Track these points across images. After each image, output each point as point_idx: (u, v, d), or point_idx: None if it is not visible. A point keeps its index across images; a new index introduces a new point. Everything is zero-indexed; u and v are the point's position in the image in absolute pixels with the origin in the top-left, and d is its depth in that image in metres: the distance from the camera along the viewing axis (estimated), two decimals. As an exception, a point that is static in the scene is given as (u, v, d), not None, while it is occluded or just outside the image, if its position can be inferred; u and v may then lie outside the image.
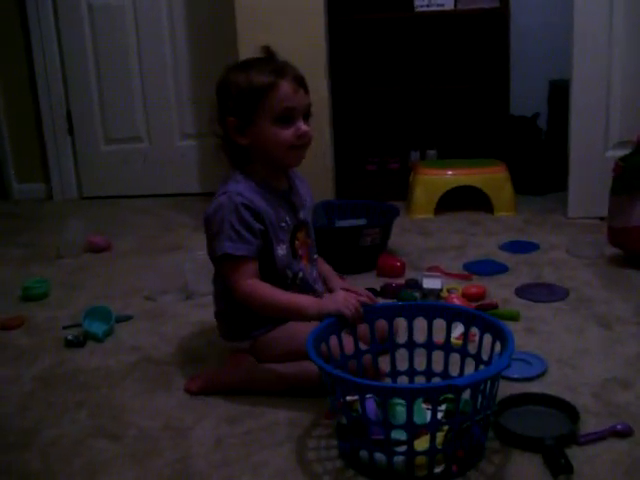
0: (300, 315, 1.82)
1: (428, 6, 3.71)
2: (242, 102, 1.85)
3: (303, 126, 1.87)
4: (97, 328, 2.34)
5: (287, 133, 1.85)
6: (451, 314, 1.78)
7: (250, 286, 1.84)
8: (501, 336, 1.63)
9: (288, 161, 1.92)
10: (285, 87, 1.84)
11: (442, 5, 3.71)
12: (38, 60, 4.16)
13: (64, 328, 2.42)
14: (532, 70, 4.06)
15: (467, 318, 1.75)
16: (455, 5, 3.71)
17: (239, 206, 1.84)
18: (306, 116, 1.89)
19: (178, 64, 4.10)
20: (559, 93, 3.78)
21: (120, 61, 4.12)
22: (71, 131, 4.25)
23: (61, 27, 4.13)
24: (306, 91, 1.89)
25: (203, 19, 4.00)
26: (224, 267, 1.88)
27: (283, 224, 1.93)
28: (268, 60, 1.90)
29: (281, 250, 1.92)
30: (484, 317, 1.73)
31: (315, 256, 2.08)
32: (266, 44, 1.94)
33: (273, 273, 1.91)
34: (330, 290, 2.07)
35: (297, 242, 1.99)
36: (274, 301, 1.84)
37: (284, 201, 1.96)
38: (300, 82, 1.88)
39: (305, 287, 1.99)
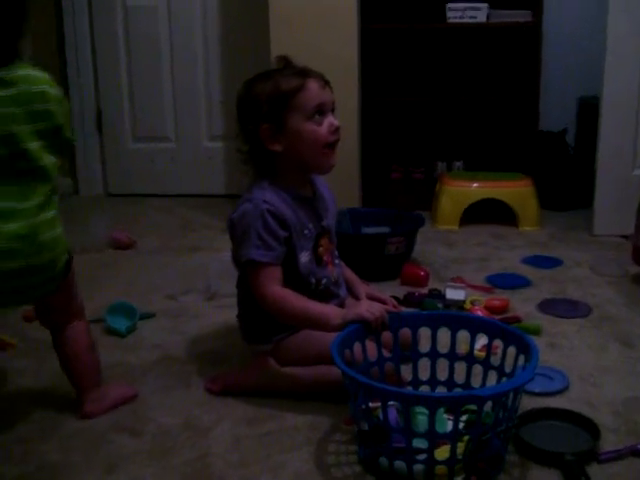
0: (324, 325, 1.81)
1: (461, 18, 3.71)
2: (274, 107, 1.87)
3: (335, 121, 1.90)
4: (120, 324, 2.35)
5: (322, 129, 1.87)
6: (476, 325, 1.78)
7: (274, 294, 1.84)
8: (525, 349, 1.62)
9: (322, 162, 1.92)
10: (313, 85, 1.87)
11: (475, 17, 3.70)
12: (70, 58, 4.19)
13: (87, 322, 2.43)
14: (561, 86, 4.05)
15: (491, 330, 1.75)
16: (488, 18, 3.71)
17: (265, 213, 1.84)
18: (333, 112, 1.92)
19: (209, 66, 4.12)
20: (588, 109, 3.77)
21: (152, 61, 4.15)
22: (100, 127, 4.28)
23: (95, 26, 4.17)
24: (330, 88, 1.92)
25: (236, 21, 4.02)
26: (248, 273, 1.89)
27: (306, 232, 1.94)
28: (288, 66, 1.93)
29: (304, 257, 1.93)
30: (508, 329, 1.72)
31: (337, 261, 2.09)
32: (285, 54, 1.97)
33: (296, 279, 1.92)
34: (355, 297, 2.08)
35: (321, 249, 1.99)
36: (298, 310, 1.84)
37: (308, 208, 1.97)
38: (324, 79, 1.91)
39: (328, 293, 2.00)
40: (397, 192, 3.86)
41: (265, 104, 1.87)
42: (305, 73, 1.89)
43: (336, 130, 1.90)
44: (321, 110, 1.88)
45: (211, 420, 1.82)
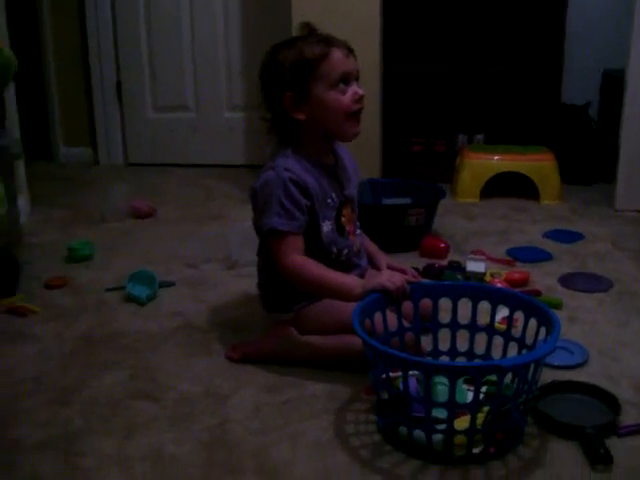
0: (345, 295, 1.81)
1: (486, -14, 3.68)
2: (297, 75, 1.85)
3: (359, 90, 1.88)
4: (140, 292, 2.36)
5: (346, 97, 1.86)
6: (497, 297, 1.77)
7: (295, 262, 1.84)
8: (547, 321, 1.61)
9: (345, 132, 1.91)
10: (337, 53, 1.85)
11: (500, -13, 3.67)
12: (91, 27, 4.19)
13: (107, 290, 2.44)
14: (586, 58, 4.01)
15: (513, 302, 1.74)
16: (512, -12, 3.67)
17: (287, 181, 1.84)
18: (357, 81, 1.91)
19: (229, 35, 4.10)
20: (612, 83, 3.73)
21: (172, 30, 4.14)
22: (120, 97, 4.28)
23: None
24: (355, 57, 1.90)
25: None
26: (270, 242, 1.89)
27: (329, 200, 1.93)
28: (312, 34, 1.91)
29: (326, 226, 1.92)
30: (531, 301, 1.72)
31: (359, 231, 2.08)
32: (308, 20, 1.95)
33: (318, 249, 1.92)
34: (375, 267, 2.07)
35: (343, 218, 1.99)
36: (319, 279, 1.84)
37: (331, 177, 1.96)
38: (349, 48, 1.89)
39: (350, 263, 2.00)
40: (418, 164, 3.85)
41: (289, 72, 1.86)
42: (329, 41, 1.87)
43: (360, 99, 1.88)
44: (345, 79, 1.86)
45: (231, 387, 1.83)
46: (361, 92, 1.88)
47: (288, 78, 1.86)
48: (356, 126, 1.91)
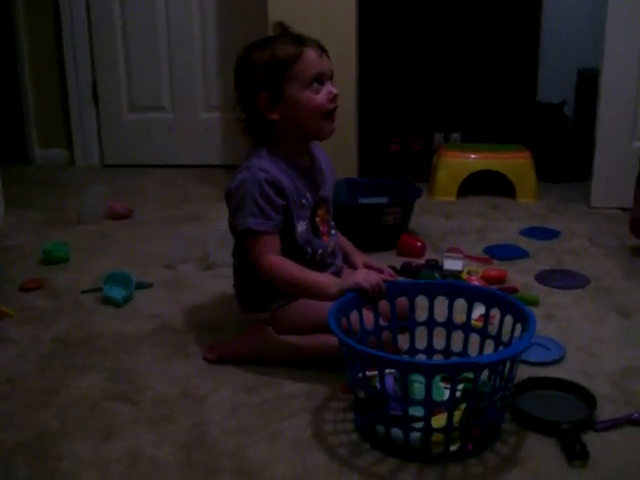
0: (321, 295, 1.81)
1: (459, -14, 3.69)
2: (271, 75, 1.85)
3: (333, 89, 1.89)
4: (117, 293, 2.35)
5: (320, 97, 1.86)
6: (473, 295, 1.78)
7: (271, 262, 1.84)
8: (523, 318, 1.62)
9: (320, 131, 1.92)
10: (310, 53, 1.86)
11: (474, -14, 3.68)
12: (66, 28, 4.15)
13: (83, 292, 2.43)
14: (561, 57, 4.03)
15: (489, 299, 1.75)
16: (487, -13, 3.69)
17: (262, 181, 1.84)
18: (331, 80, 1.91)
19: (206, 35, 4.09)
20: (587, 81, 3.75)
21: (148, 30, 4.12)
22: (95, 98, 4.25)
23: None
24: (328, 56, 1.90)
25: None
26: (246, 242, 1.89)
27: (304, 201, 1.93)
28: (285, 34, 1.91)
29: (301, 227, 1.93)
30: (506, 298, 1.72)
31: (333, 231, 2.08)
32: (282, 20, 1.95)
33: (293, 249, 1.92)
34: (352, 266, 2.07)
35: (318, 219, 1.99)
36: (295, 279, 1.84)
37: (306, 178, 1.96)
38: (322, 48, 1.90)
39: (324, 263, 2.00)
40: (395, 163, 3.85)
41: (262, 72, 1.86)
42: (302, 41, 1.87)
43: (334, 98, 1.89)
44: (319, 78, 1.86)
45: (208, 388, 1.83)
46: (335, 91, 1.88)
47: (261, 78, 1.86)
48: (331, 124, 1.91)
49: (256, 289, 1.95)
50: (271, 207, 1.84)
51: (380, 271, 1.99)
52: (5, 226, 3.18)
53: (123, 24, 4.14)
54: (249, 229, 1.84)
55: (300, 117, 1.88)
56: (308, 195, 1.95)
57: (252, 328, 1.97)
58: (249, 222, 1.83)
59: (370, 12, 3.77)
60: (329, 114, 1.89)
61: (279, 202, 1.86)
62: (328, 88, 1.88)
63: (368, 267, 2.03)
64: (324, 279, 1.86)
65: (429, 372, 1.45)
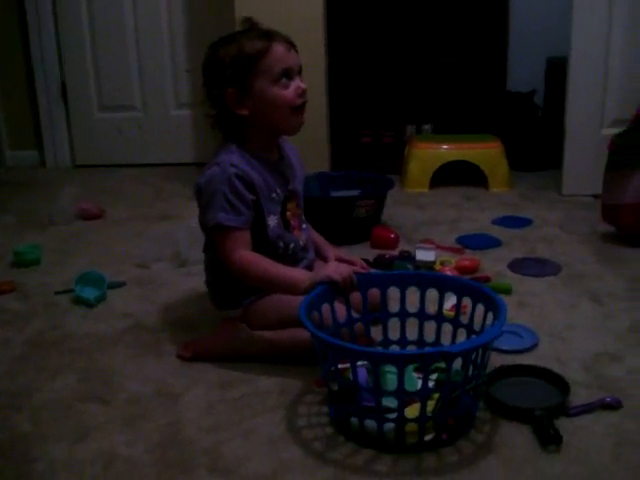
0: (293, 289, 1.81)
1: (427, -22, 3.69)
2: (239, 70, 1.85)
3: (302, 84, 1.89)
4: (89, 293, 2.34)
5: (288, 92, 1.86)
6: (444, 284, 1.78)
7: (242, 258, 1.84)
8: (493, 306, 1.63)
9: (290, 126, 1.92)
10: (278, 48, 1.85)
11: (441, -22, 3.69)
12: (32, 26, 4.11)
13: (56, 294, 2.42)
14: (530, 46, 4.04)
15: (460, 288, 1.75)
16: (454, -22, 3.70)
17: (232, 177, 1.83)
18: (300, 75, 1.91)
19: (174, 31, 4.07)
20: (556, 70, 3.77)
21: (116, 28, 4.09)
22: (65, 98, 4.22)
23: (56, -5, 4.10)
24: (296, 51, 1.90)
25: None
26: (216, 238, 1.88)
27: (274, 195, 1.93)
28: (253, 29, 1.91)
29: (272, 221, 1.93)
30: (477, 287, 1.73)
31: (304, 225, 2.08)
32: (250, 15, 1.95)
33: (265, 244, 1.92)
34: (324, 259, 2.08)
35: (288, 213, 1.99)
36: (267, 274, 1.84)
37: (276, 172, 1.96)
38: (290, 42, 1.89)
39: (296, 257, 2.00)
40: (367, 155, 3.85)
41: (229, 68, 1.85)
42: (270, 36, 1.87)
43: (303, 93, 1.89)
44: (287, 73, 1.86)
45: (182, 386, 1.82)
46: (303, 86, 1.88)
47: (229, 74, 1.85)
48: (300, 118, 1.91)
49: (227, 285, 1.94)
50: (241, 202, 1.84)
51: (352, 263, 1.99)
52: (-24, 229, 3.16)
53: (90, 22, 4.10)
54: (219, 224, 1.84)
55: (269, 112, 1.88)
56: (278, 189, 1.95)
57: (225, 324, 1.96)
58: (219, 217, 1.83)
59: (339, 5, 3.76)
60: (298, 109, 1.89)
61: (249, 197, 1.86)
62: (297, 83, 1.88)
63: (340, 260, 2.03)
64: (296, 273, 1.86)
65: (401, 362, 1.45)
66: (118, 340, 2.09)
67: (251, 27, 1.92)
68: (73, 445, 1.60)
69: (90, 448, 1.59)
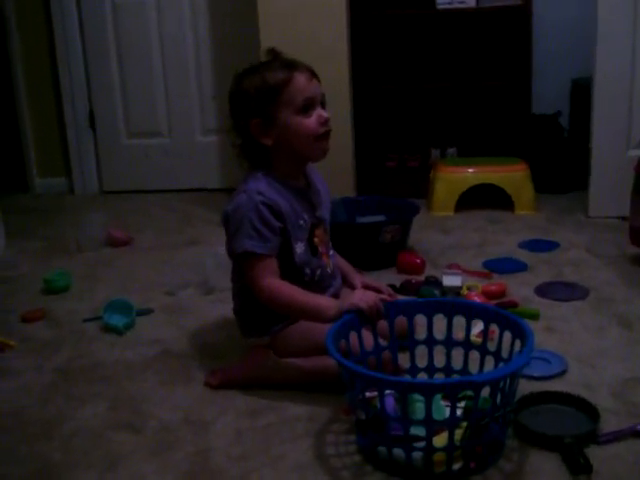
0: (320, 317, 1.81)
1: (450, 3, 3.70)
2: (262, 101, 1.87)
3: (324, 113, 1.90)
4: (118, 321, 2.35)
5: (311, 121, 1.88)
6: (471, 311, 1.78)
7: (270, 285, 1.85)
8: (521, 334, 1.62)
9: (315, 153, 1.93)
10: (300, 78, 1.87)
11: (464, 2, 3.69)
12: (61, 57, 4.18)
13: (84, 321, 2.44)
14: (554, 68, 4.03)
15: (487, 315, 1.75)
16: (477, 3, 3.70)
17: (259, 204, 1.85)
18: (322, 104, 1.92)
19: (200, 59, 4.11)
20: (581, 91, 3.76)
21: (143, 56, 4.14)
22: (93, 125, 4.27)
23: (84, 24, 4.15)
24: (318, 80, 1.92)
25: (225, 14, 4.00)
26: (244, 265, 1.89)
27: (301, 222, 1.94)
28: (276, 59, 1.93)
29: (299, 248, 1.93)
30: (504, 314, 1.73)
31: (331, 252, 2.09)
32: (273, 46, 1.97)
33: (292, 270, 1.92)
34: (350, 286, 2.08)
35: (316, 239, 2.00)
36: (294, 302, 1.85)
37: (303, 199, 1.97)
38: (312, 72, 1.91)
39: (323, 284, 2.01)
40: (392, 180, 3.86)
41: (254, 99, 1.88)
42: (292, 66, 1.89)
43: (325, 122, 1.90)
44: (309, 103, 1.88)
45: (211, 414, 1.83)
46: (326, 115, 1.90)
47: (254, 105, 1.88)
48: (324, 148, 1.93)
49: (256, 313, 1.95)
50: (268, 229, 1.85)
51: (378, 290, 2.00)
52: (6, 257, 3.19)
53: (118, 50, 4.16)
54: (247, 252, 1.85)
55: (293, 142, 1.89)
56: (305, 216, 1.96)
57: (253, 352, 1.97)
58: (247, 244, 1.84)
59: (363, 30, 3.79)
60: (322, 137, 1.91)
61: (276, 224, 1.87)
62: (319, 112, 1.89)
63: (366, 287, 2.04)
64: (323, 301, 1.86)
65: (428, 392, 1.45)
66: (147, 367, 2.11)
67: (274, 57, 1.94)
68: (103, 474, 1.61)
69: (120, 477, 1.60)
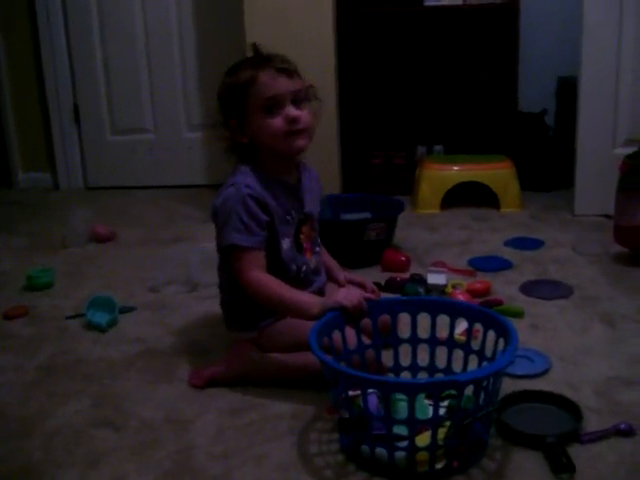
0: (303, 314, 1.80)
1: (437, 0, 3.70)
2: (234, 101, 1.88)
3: (293, 111, 1.86)
4: (100, 318, 2.34)
5: (276, 121, 1.86)
6: (455, 310, 1.78)
7: (256, 278, 1.84)
8: (505, 333, 1.62)
9: (288, 149, 1.91)
10: (263, 78, 1.85)
11: (451, -1, 3.70)
12: (45, 53, 4.17)
13: (67, 318, 2.42)
14: (540, 66, 4.04)
15: (471, 314, 1.75)
16: (464, 0, 3.70)
17: (246, 197, 1.84)
18: (297, 101, 1.88)
19: (185, 55, 4.11)
20: (567, 90, 3.77)
21: (128, 52, 4.13)
22: (77, 121, 4.25)
23: (69, 20, 4.14)
24: (290, 76, 1.87)
25: (211, 10, 4.00)
26: (231, 258, 1.89)
27: (289, 217, 1.94)
28: (254, 56, 1.92)
29: (285, 244, 1.93)
30: (488, 313, 1.72)
31: (317, 248, 2.08)
32: (255, 42, 1.96)
33: (277, 266, 1.92)
34: (334, 282, 2.08)
35: (302, 236, 1.99)
36: (278, 297, 1.84)
37: (291, 195, 1.97)
38: (281, 69, 1.87)
39: (308, 280, 2.00)
40: (378, 177, 3.86)
41: (228, 99, 1.89)
42: (260, 64, 1.87)
43: (294, 120, 1.87)
44: (274, 104, 1.86)
45: (193, 412, 1.81)
46: (293, 113, 1.86)
47: (229, 105, 1.89)
48: (298, 143, 1.90)
49: (243, 306, 1.94)
50: (255, 223, 1.85)
51: (362, 285, 2.00)
52: (-11, 253, 3.17)
53: (103, 46, 4.15)
54: (234, 245, 1.84)
55: (264, 141, 1.89)
56: (293, 212, 1.95)
57: (237, 346, 1.96)
58: (234, 238, 1.84)
59: (349, 27, 3.78)
60: (292, 134, 1.88)
61: (263, 218, 1.86)
62: (287, 111, 1.86)
63: (351, 282, 2.05)
64: (307, 298, 1.85)
65: (411, 391, 1.45)
66: (129, 365, 2.09)
67: (255, 54, 1.93)
68: (84, 472, 1.60)
69: (101, 475, 1.58)
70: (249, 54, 1.96)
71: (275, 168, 1.94)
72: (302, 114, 1.88)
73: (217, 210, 1.89)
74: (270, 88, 1.85)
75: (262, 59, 1.89)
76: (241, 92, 1.86)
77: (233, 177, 1.91)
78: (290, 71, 1.88)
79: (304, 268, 1.98)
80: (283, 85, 1.86)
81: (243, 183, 1.87)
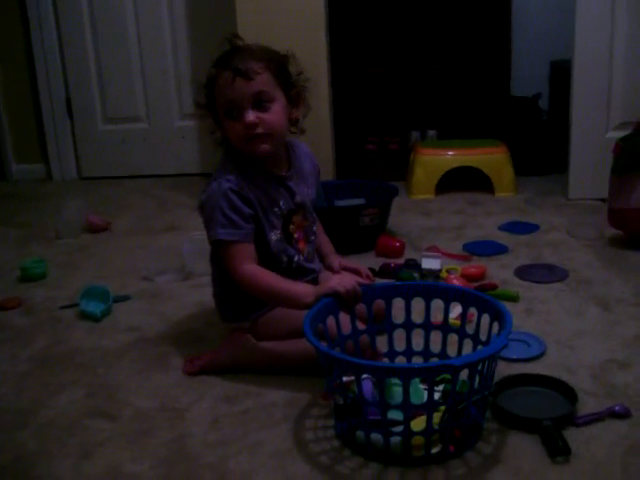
0: (297, 304, 1.79)
1: (429, -16, 3.69)
2: (207, 97, 1.88)
3: (249, 117, 1.80)
4: (94, 308, 2.33)
5: (237, 126, 1.83)
6: (449, 294, 1.77)
7: (248, 272, 1.83)
8: (499, 316, 1.61)
9: (252, 153, 1.87)
10: (222, 79, 1.82)
11: (443, -16, 3.69)
12: (36, 43, 4.13)
13: (61, 308, 2.41)
14: (533, 50, 4.03)
15: (465, 298, 1.74)
16: (457, -16, 3.69)
17: (228, 192, 1.83)
18: (260, 102, 1.82)
19: (177, 44, 4.08)
20: (560, 73, 3.76)
21: (119, 40, 4.10)
22: (70, 111, 4.23)
23: (59, 10, 4.10)
24: (249, 79, 1.78)
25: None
26: (220, 253, 1.88)
27: (276, 209, 1.92)
28: (224, 52, 1.87)
29: (274, 236, 1.92)
30: (482, 297, 1.71)
31: (313, 237, 2.06)
32: (233, 33, 1.93)
33: (268, 257, 1.91)
34: (328, 268, 2.07)
35: (292, 226, 1.97)
36: (271, 289, 1.83)
37: (280, 186, 1.94)
38: (238, 71, 1.78)
39: (302, 269, 1.99)
40: (372, 163, 3.85)
41: (205, 93, 1.89)
42: (223, 63, 1.83)
43: (250, 126, 1.81)
44: (232, 108, 1.82)
45: (189, 400, 1.81)
46: (249, 119, 1.80)
47: (206, 99, 1.89)
48: (261, 146, 1.85)
49: (236, 297, 1.93)
50: (239, 216, 1.83)
51: (357, 272, 1.99)
52: (-18, 244, 3.16)
53: (94, 35, 4.12)
54: (219, 240, 1.83)
55: (231, 140, 1.88)
56: (282, 203, 1.93)
57: (231, 336, 1.95)
58: (219, 233, 1.83)
59: (343, 12, 3.76)
60: (252, 138, 1.84)
61: (247, 211, 1.84)
62: (244, 116, 1.81)
63: (346, 269, 2.03)
64: (300, 288, 1.83)
65: (405, 376, 1.44)
66: (123, 354, 2.09)
67: (232, 47, 1.88)
68: (79, 462, 1.59)
69: (96, 465, 1.58)
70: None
71: (258, 161, 1.91)
72: (264, 117, 1.82)
73: (203, 206, 1.88)
74: (227, 91, 1.81)
75: (224, 58, 1.83)
76: (209, 91, 1.85)
77: (217, 172, 1.90)
78: (248, 73, 1.79)
79: (296, 258, 1.97)
80: (239, 89, 1.79)
81: (225, 177, 1.85)
